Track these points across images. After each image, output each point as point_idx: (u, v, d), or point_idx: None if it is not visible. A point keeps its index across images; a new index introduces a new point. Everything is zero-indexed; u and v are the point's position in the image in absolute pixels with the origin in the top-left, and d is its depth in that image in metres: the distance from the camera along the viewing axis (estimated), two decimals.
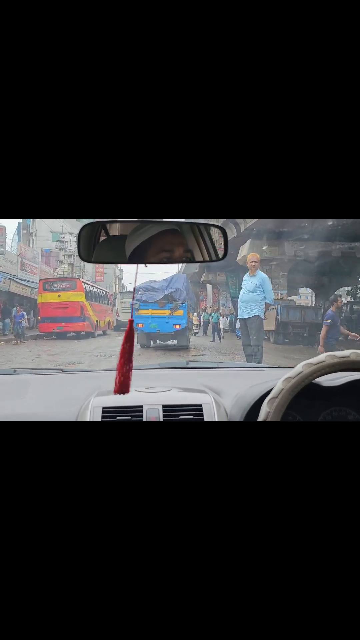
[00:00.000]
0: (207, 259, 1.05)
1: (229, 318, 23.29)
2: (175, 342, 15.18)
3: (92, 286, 21.84)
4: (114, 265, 41.00)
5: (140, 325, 17.05)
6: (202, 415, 1.13)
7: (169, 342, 15.25)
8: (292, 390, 0.81)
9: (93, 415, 1.10)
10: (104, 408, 1.12)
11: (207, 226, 1.02)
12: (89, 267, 34.06)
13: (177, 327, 16.54)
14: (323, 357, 0.83)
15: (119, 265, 46.01)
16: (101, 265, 37.04)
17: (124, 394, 0.99)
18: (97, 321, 20.65)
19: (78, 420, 1.12)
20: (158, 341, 16.12)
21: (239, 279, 27.56)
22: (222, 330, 19.68)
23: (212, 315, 19.72)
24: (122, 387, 0.99)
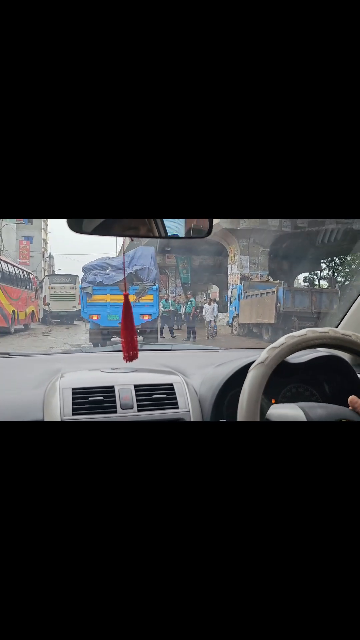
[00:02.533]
0: (164, 234, 0.98)
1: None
2: (142, 338, 10.72)
3: (7, 263, 15.97)
4: (41, 248, 35.10)
5: (95, 317, 11.97)
6: (174, 393, 1.15)
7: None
8: (277, 359, 0.83)
9: (63, 397, 1.09)
10: (73, 389, 1.11)
11: None
12: (10, 245, 28.01)
13: (145, 317, 11.65)
14: (304, 331, 0.86)
15: (48, 248, 40.14)
16: (27, 246, 31.16)
17: (133, 360, 1.00)
18: (14, 312, 15.15)
19: (45, 402, 1.11)
20: (115, 337, 11.34)
21: (190, 261, 24.14)
22: (214, 324, 14.85)
23: (191, 301, 15.09)
24: (130, 354, 1.01)
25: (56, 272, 28.00)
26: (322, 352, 1.17)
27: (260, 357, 0.84)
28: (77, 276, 22.21)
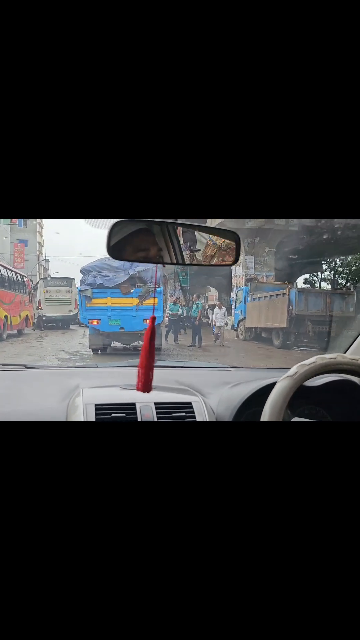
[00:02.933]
0: (175, 261, 1.00)
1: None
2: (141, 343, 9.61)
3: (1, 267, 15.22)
4: (36, 251, 34.14)
5: (95, 322, 11.11)
6: (193, 412, 1.16)
7: (136, 344, 11.11)
8: (305, 375, 0.84)
9: (86, 412, 1.11)
10: (96, 405, 1.13)
11: (175, 227, 0.95)
12: (4, 248, 27.10)
13: (149, 322, 10.68)
14: (335, 355, 0.88)
15: (44, 251, 39.19)
16: (22, 249, 30.17)
17: (147, 392, 0.97)
18: (6, 317, 14.38)
19: (68, 416, 1.14)
20: (116, 343, 10.50)
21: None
22: (222, 328, 14.00)
23: (197, 304, 14.23)
24: (146, 385, 0.98)
25: (52, 276, 27.16)
26: (335, 376, 1.17)
27: (290, 371, 0.86)
28: (73, 279, 21.39)
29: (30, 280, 19.76)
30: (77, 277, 11.84)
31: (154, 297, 11.51)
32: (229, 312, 15.99)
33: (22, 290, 17.02)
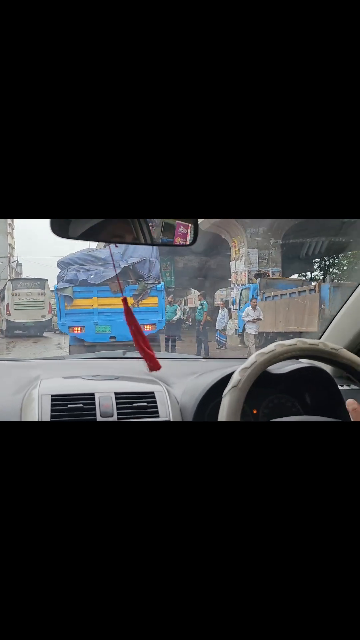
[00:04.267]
0: (150, 242, 1.01)
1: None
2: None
3: None
4: (7, 253, 31.21)
5: (77, 330, 8.43)
6: (155, 402, 1.14)
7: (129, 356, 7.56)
8: (250, 379, 0.84)
9: (41, 403, 1.08)
10: (52, 396, 1.10)
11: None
12: None
13: (148, 328, 8.27)
14: (273, 346, 0.87)
15: (15, 254, 36.36)
16: None
17: (158, 369, 0.98)
18: None
19: (23, 409, 1.11)
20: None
21: (173, 263, 21.13)
22: (224, 335, 11.70)
23: (202, 304, 11.71)
24: (154, 364, 0.98)
25: (22, 277, 24.42)
26: (303, 363, 1.16)
27: (233, 379, 0.84)
28: (47, 280, 19.08)
29: None
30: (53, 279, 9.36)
31: (154, 296, 9.12)
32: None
33: None
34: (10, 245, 34.06)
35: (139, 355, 1.57)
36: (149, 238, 0.97)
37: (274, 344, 0.87)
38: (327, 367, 1.16)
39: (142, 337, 0.99)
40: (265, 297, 12.08)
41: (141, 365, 1.31)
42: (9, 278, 21.75)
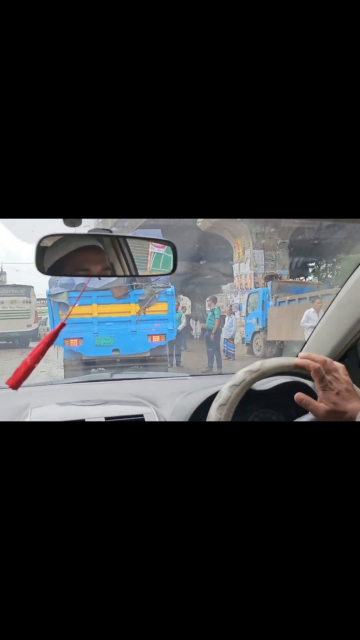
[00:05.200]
0: (127, 273, 1.04)
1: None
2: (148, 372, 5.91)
3: None
4: None
5: (74, 343, 7.13)
6: None
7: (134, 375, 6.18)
8: (238, 397, 0.84)
9: None
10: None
11: (125, 240, 1.01)
12: None
13: (156, 339, 6.96)
14: (259, 363, 0.87)
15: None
16: None
17: (14, 388, 0.91)
18: None
19: None
20: (101, 368, 7.93)
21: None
22: (232, 344, 10.48)
23: (213, 310, 10.38)
24: (16, 381, 0.89)
25: (6, 284, 22.97)
26: (286, 378, 1.18)
27: (221, 396, 0.85)
28: (32, 287, 17.75)
29: None
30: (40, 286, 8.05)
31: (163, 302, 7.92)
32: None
33: None
34: None
35: (128, 377, 1.82)
36: (125, 270, 0.98)
37: (259, 361, 0.88)
38: (309, 382, 1.15)
39: (35, 360, 0.90)
40: (279, 302, 10.96)
41: (130, 387, 1.50)
42: None
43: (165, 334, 7.87)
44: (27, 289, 17.44)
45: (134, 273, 1.02)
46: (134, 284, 7.79)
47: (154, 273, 1.04)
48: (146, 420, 1.13)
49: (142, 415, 1.14)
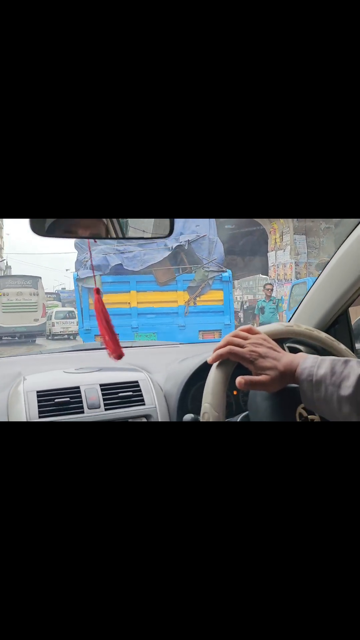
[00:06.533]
0: (120, 235, 1.01)
1: None
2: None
3: None
4: None
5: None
6: (140, 391, 1.15)
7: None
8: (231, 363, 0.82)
9: (28, 400, 1.08)
10: (38, 392, 1.09)
11: None
12: None
13: (209, 336, 5.10)
14: (275, 325, 0.88)
15: (4, 254, 33.28)
16: None
17: (120, 358, 0.97)
18: None
19: (9, 406, 1.11)
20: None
21: None
22: None
23: (274, 301, 8.72)
24: (116, 352, 0.96)
25: (11, 274, 21.41)
26: (285, 344, 1.16)
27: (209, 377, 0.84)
28: (40, 278, 16.19)
29: None
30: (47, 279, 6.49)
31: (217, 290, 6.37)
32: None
33: None
34: None
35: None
36: (120, 232, 0.96)
37: (265, 326, 0.88)
38: (302, 347, 1.15)
39: (110, 324, 0.96)
40: None
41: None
42: None
43: (220, 330, 6.33)
44: (35, 280, 15.95)
45: (126, 235, 0.99)
46: (182, 266, 6.24)
47: (148, 236, 0.99)
48: (141, 386, 1.15)
49: (136, 382, 1.16)
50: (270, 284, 9.07)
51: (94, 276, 6.29)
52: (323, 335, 0.90)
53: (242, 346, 0.75)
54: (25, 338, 15.13)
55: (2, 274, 25.27)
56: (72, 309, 21.30)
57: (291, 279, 11.35)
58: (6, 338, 15.13)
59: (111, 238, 0.95)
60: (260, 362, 0.73)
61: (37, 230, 0.86)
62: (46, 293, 17.69)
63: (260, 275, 16.98)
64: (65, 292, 32.62)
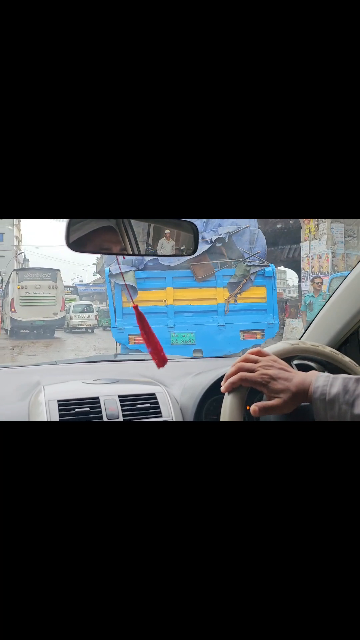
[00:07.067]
0: (143, 252, 1.01)
1: None
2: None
3: None
4: (13, 246, 27.88)
5: (142, 340, 4.13)
6: (157, 403, 1.17)
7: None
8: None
9: (49, 409, 1.10)
10: (59, 401, 1.11)
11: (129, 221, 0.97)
12: None
13: (251, 336, 4.43)
14: (281, 344, 0.88)
15: (22, 247, 33.17)
16: None
17: (164, 364, 1.01)
18: None
19: (30, 415, 1.14)
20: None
21: None
22: None
23: (323, 296, 8.09)
24: (162, 360, 1.00)
25: (30, 267, 21.04)
26: (293, 362, 1.15)
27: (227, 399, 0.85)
28: (59, 270, 15.75)
29: None
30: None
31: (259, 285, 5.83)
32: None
33: None
34: (17, 237, 30.95)
35: (131, 358, 1.81)
36: (137, 249, 0.97)
37: (281, 342, 0.89)
38: (314, 364, 1.16)
39: (151, 332, 0.99)
40: None
41: (134, 367, 1.52)
42: (14, 268, 18.47)
43: (263, 330, 5.79)
44: (54, 273, 15.49)
45: (150, 252, 0.99)
46: (222, 261, 5.70)
47: (172, 254, 1.00)
48: (158, 398, 1.17)
49: (154, 394, 1.17)
50: (319, 277, 8.43)
51: (121, 272, 5.79)
52: (328, 349, 0.92)
53: (253, 370, 0.76)
54: (43, 332, 14.76)
55: (20, 266, 24.97)
56: (89, 302, 20.98)
57: (328, 272, 10.72)
58: (25, 331, 14.75)
59: (139, 255, 0.97)
60: (273, 384, 0.74)
61: (72, 245, 0.88)
62: (65, 286, 17.29)
63: (283, 267, 16.37)
64: (82, 285, 32.36)
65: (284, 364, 0.77)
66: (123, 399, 1.13)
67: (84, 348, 12.16)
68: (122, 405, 1.11)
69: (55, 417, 1.06)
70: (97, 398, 1.11)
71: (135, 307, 0.98)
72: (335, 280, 9.98)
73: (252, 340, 5.76)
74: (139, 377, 1.35)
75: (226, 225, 5.81)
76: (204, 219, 5.63)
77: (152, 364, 1.64)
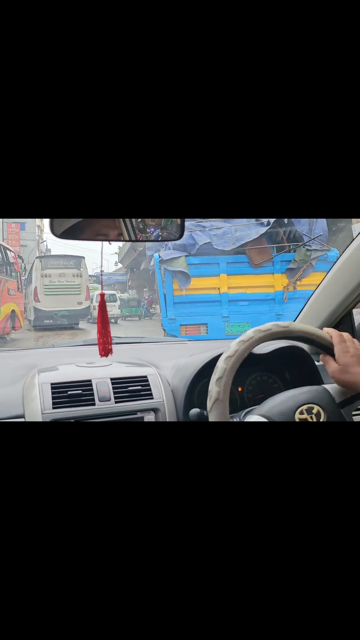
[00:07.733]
0: (133, 237, 0.98)
1: None
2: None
3: None
4: (35, 236, 27.66)
5: (194, 331, 4.01)
6: (148, 385, 1.19)
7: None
8: (233, 367, 0.85)
9: (42, 391, 1.12)
10: (52, 384, 1.14)
11: None
12: None
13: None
14: (251, 332, 0.88)
15: (44, 236, 33.04)
16: (17, 230, 23.55)
17: (108, 355, 1.04)
18: None
19: (24, 397, 1.15)
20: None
21: None
22: None
23: None
24: (108, 349, 1.04)
25: (53, 254, 20.75)
26: (283, 343, 1.21)
27: (230, 350, 0.86)
28: (83, 258, 15.38)
29: (20, 257, 13.39)
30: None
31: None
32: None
33: (4, 271, 10.78)
34: (38, 227, 30.74)
35: (126, 341, 1.74)
36: (133, 234, 0.96)
37: (270, 324, 0.89)
38: (304, 346, 1.17)
39: (106, 322, 1.03)
40: None
41: (130, 350, 1.53)
42: (37, 256, 18.14)
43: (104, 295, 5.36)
44: (78, 260, 15.11)
45: (132, 238, 0.95)
46: (280, 245, 5.27)
47: (159, 239, 0.97)
48: (149, 381, 1.19)
49: (145, 377, 1.20)
50: None
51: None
52: (300, 326, 0.92)
53: (344, 341, 0.87)
54: (67, 322, 14.45)
55: (43, 255, 24.75)
56: (113, 292, 20.65)
57: None
58: (48, 321, 14.46)
59: (124, 240, 0.94)
60: (346, 356, 0.86)
61: (55, 231, 0.87)
62: (89, 275, 16.95)
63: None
64: (104, 274, 32.20)
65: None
66: (115, 381, 1.16)
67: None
68: (113, 388, 1.14)
69: (48, 399, 1.09)
70: (90, 381, 1.14)
71: (102, 295, 0.99)
72: None
73: None
74: (134, 359, 1.38)
75: None
76: None
77: (148, 346, 1.63)
